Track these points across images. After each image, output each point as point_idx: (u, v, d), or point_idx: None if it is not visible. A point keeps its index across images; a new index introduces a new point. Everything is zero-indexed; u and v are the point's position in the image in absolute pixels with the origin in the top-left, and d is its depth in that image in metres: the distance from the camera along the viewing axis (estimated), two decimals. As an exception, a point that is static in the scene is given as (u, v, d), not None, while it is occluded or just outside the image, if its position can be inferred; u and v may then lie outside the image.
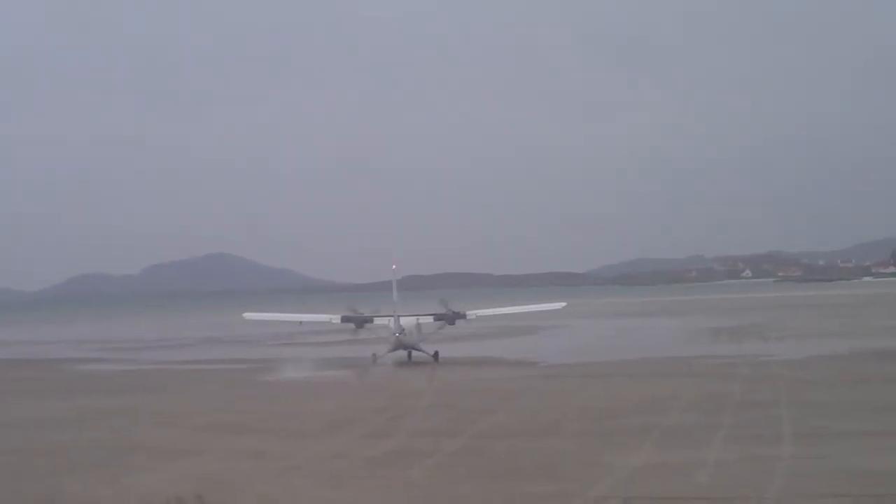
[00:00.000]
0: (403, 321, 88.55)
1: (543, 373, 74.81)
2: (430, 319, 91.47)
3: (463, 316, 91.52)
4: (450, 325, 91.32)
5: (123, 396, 66.11)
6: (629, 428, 44.21)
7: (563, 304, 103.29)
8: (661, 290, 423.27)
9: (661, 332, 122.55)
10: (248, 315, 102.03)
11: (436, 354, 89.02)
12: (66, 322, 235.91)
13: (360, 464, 37.61)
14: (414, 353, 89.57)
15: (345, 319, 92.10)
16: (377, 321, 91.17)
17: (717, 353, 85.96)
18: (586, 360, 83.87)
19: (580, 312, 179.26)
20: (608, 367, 76.16)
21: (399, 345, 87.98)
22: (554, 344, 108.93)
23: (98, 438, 46.42)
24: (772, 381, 61.81)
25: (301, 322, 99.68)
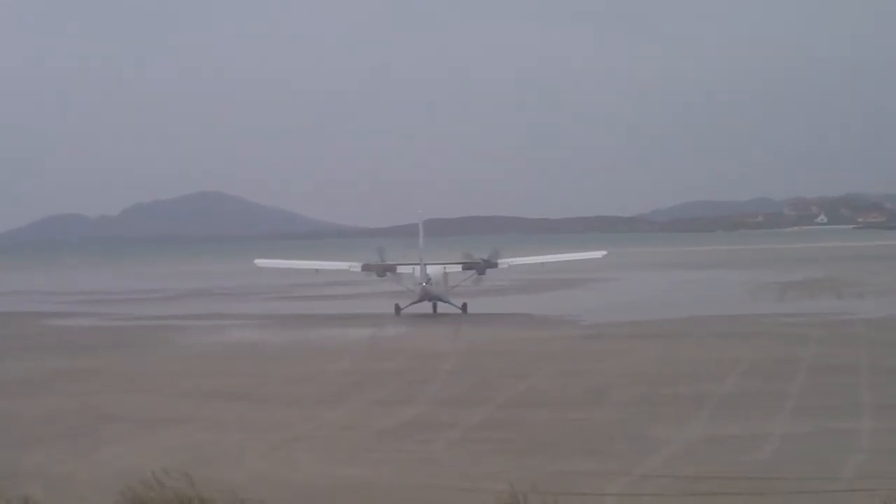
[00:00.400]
0: (430, 270, 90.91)
1: (585, 332, 74.81)
2: (458, 268, 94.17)
3: (495, 265, 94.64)
4: (480, 274, 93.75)
5: (95, 357, 66.37)
6: (682, 396, 44.19)
7: (604, 252, 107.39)
8: (721, 237, 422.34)
9: (721, 287, 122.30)
10: (260, 262, 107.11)
11: (464, 307, 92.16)
12: (30, 269, 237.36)
13: (373, 436, 37.69)
14: (440, 305, 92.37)
15: (366, 268, 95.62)
16: (401, 270, 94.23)
17: (785, 312, 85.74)
18: (634, 317, 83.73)
19: (627, 263, 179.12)
20: (659, 327, 76.07)
21: (425, 295, 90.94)
22: (597, 299, 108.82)
23: (66, 405, 46.62)
24: (849, 344, 61.59)
25: (318, 270, 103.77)
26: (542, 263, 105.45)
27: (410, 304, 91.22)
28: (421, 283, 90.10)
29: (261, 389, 50.18)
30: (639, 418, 39.35)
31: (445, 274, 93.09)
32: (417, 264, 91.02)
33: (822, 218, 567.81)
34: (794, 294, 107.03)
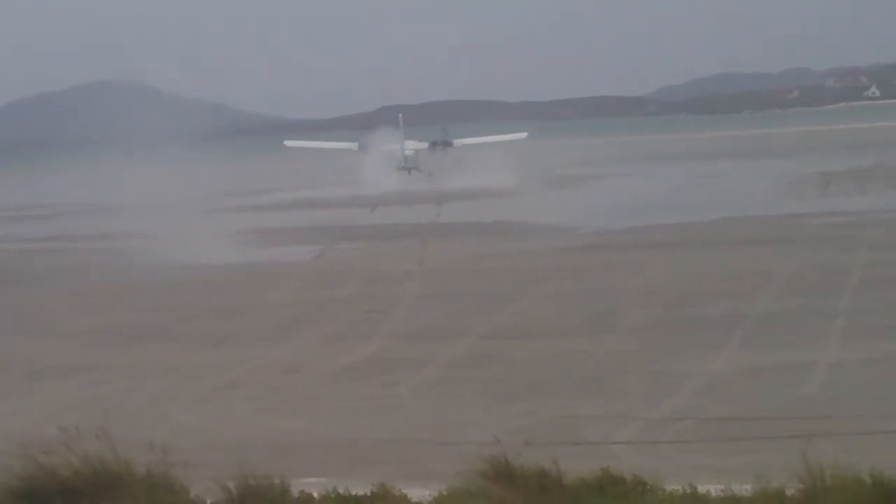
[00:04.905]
0: (409, 148, 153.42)
1: (585, 243, 74.65)
2: (425, 146, 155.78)
3: (451, 144, 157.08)
4: (441, 151, 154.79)
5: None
6: (707, 319, 44.26)
7: (524, 134, 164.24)
8: (749, 118, 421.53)
9: (751, 181, 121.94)
10: (288, 143, 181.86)
11: (430, 174, 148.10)
12: None
13: (324, 380, 37.61)
14: (413, 172, 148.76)
15: (361, 147, 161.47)
16: (386, 148, 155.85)
17: (830, 210, 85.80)
18: (646, 223, 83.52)
19: (633, 155, 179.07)
20: (677, 234, 76.00)
21: (405, 165, 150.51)
22: (599, 202, 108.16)
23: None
24: (911, 249, 61.89)
25: (332, 150, 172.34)
26: (476, 144, 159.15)
27: (395, 169, 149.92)
28: (403, 156, 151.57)
29: (183, 326, 50.03)
30: (654, 348, 39.45)
31: (416, 151, 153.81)
32: (398, 145, 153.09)
33: (874, 91, 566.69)
34: (840, 188, 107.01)
